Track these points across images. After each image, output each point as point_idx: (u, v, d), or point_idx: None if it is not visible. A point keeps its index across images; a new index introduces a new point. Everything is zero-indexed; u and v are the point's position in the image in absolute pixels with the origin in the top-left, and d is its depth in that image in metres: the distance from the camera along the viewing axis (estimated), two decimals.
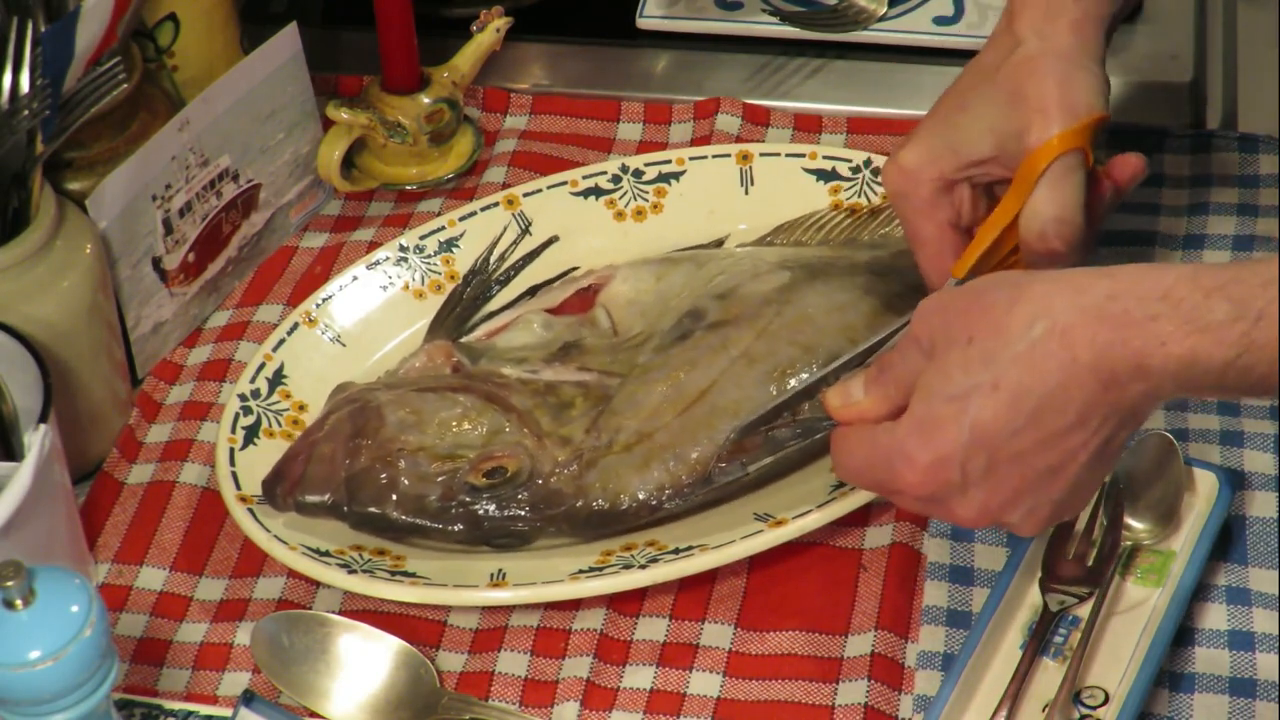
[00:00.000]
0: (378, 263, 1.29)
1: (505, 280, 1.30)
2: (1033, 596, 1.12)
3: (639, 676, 1.11)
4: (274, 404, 1.22)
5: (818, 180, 1.32)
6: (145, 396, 1.27)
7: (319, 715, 1.10)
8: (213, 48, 1.33)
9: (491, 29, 1.39)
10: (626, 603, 1.14)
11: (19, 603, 0.88)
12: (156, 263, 1.26)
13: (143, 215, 1.24)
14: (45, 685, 0.89)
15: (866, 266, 1.24)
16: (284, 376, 1.24)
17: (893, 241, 1.27)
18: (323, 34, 1.48)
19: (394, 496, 1.14)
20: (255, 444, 1.20)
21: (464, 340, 1.25)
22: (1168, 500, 1.14)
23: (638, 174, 1.33)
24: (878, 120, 1.41)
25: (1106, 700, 1.07)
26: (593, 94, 1.46)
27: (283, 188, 1.35)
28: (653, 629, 1.13)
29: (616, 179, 1.33)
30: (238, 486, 1.17)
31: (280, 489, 1.14)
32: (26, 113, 1.13)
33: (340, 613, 1.14)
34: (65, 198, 1.20)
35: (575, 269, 1.30)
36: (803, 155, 1.33)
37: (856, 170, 1.32)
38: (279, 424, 1.22)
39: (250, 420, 1.21)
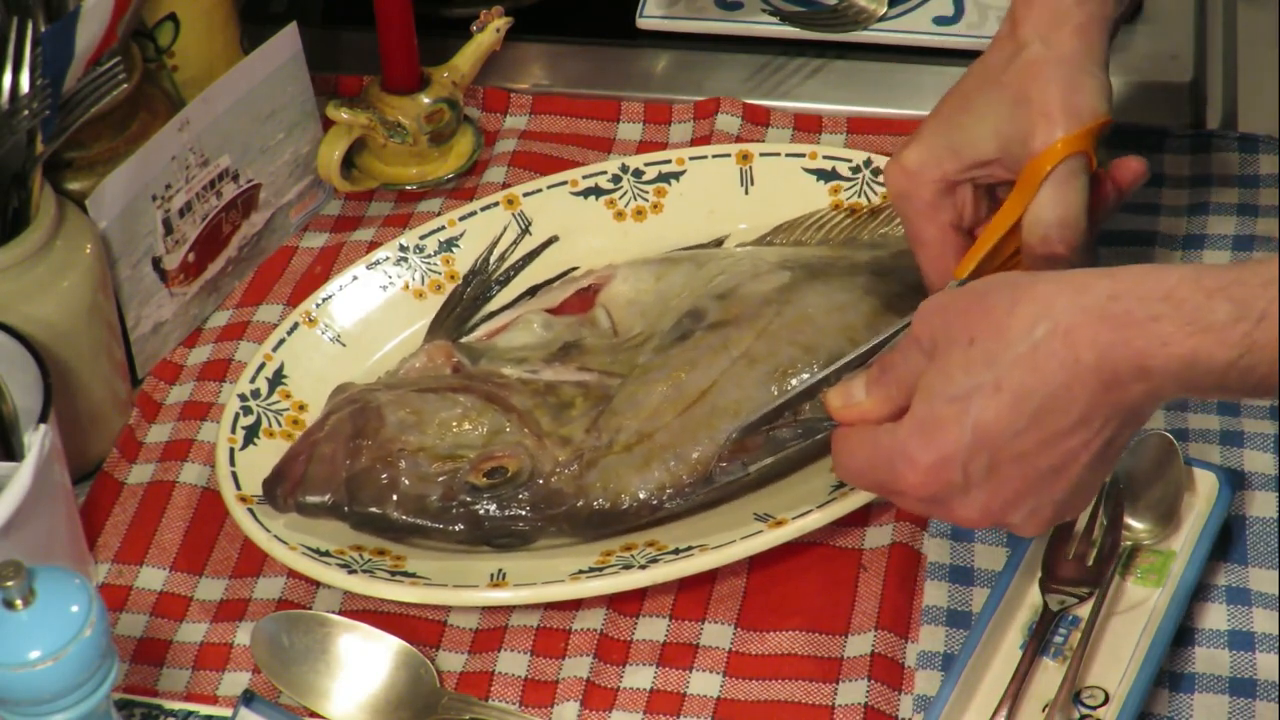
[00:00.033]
0: (378, 262, 1.29)
1: (505, 280, 1.30)
2: (1033, 596, 1.12)
3: (639, 676, 1.11)
4: (274, 404, 1.22)
5: (818, 180, 1.32)
6: (145, 396, 1.27)
7: (319, 715, 1.10)
8: (213, 48, 1.33)
9: (491, 29, 1.39)
10: (626, 603, 1.14)
11: (19, 603, 0.88)
12: (156, 263, 1.26)
13: (143, 215, 1.24)
14: (45, 685, 0.89)
15: (867, 266, 1.24)
16: (284, 376, 1.24)
17: (893, 241, 1.27)
18: (323, 34, 1.48)
19: (394, 497, 1.14)
20: (255, 444, 1.20)
21: (464, 340, 1.25)
22: (1168, 500, 1.14)
23: (638, 174, 1.33)
24: (878, 120, 1.41)
25: (1106, 700, 1.07)
26: (593, 94, 1.46)
27: (283, 188, 1.35)
28: (653, 629, 1.13)
29: (616, 179, 1.33)
30: (238, 486, 1.17)
31: (281, 490, 1.14)
32: (26, 113, 1.13)
33: (340, 613, 1.14)
34: (65, 198, 1.20)
35: (575, 269, 1.30)
36: (803, 155, 1.33)
37: (856, 170, 1.32)
38: (279, 424, 1.22)
39: (250, 420, 1.21)
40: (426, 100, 1.37)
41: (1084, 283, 0.94)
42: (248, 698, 1.05)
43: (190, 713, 1.10)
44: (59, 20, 1.13)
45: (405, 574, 1.12)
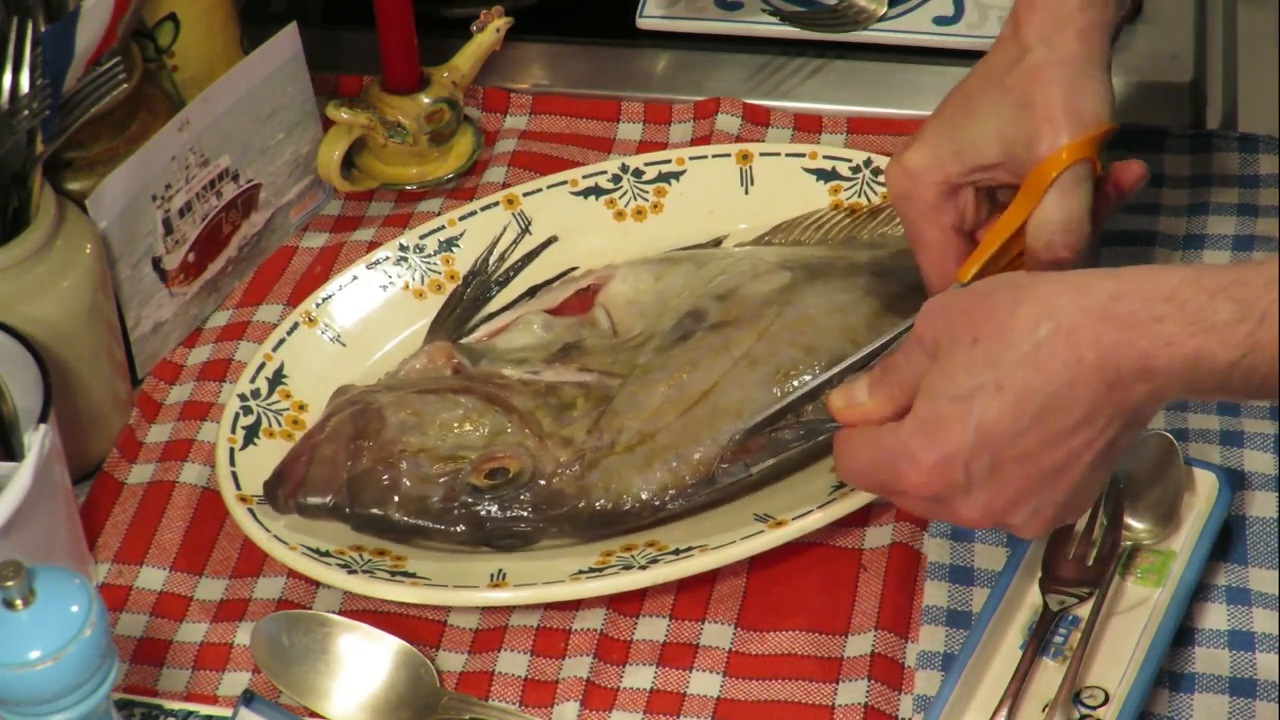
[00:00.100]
0: (378, 262, 1.29)
1: (505, 281, 1.29)
2: (1033, 596, 1.12)
3: (639, 676, 1.11)
4: (274, 404, 1.22)
5: (818, 180, 1.32)
6: (145, 396, 1.27)
7: (319, 715, 1.10)
8: (213, 48, 1.33)
9: (491, 29, 1.39)
10: (627, 603, 1.14)
11: (19, 603, 0.88)
12: (156, 263, 1.26)
13: (143, 215, 1.24)
14: (45, 685, 0.89)
15: (867, 267, 1.24)
16: (284, 376, 1.24)
17: (892, 241, 1.27)
18: (323, 34, 1.48)
19: (396, 498, 1.14)
20: (255, 444, 1.20)
21: (464, 341, 1.25)
22: (1168, 500, 1.14)
23: (638, 174, 1.33)
24: (878, 120, 1.41)
25: (1106, 700, 1.07)
26: (593, 94, 1.46)
27: (283, 188, 1.35)
28: (653, 629, 1.13)
29: (616, 178, 1.33)
30: (238, 486, 1.17)
31: (282, 491, 1.14)
32: (26, 113, 1.13)
33: (340, 613, 1.14)
34: (65, 198, 1.20)
35: (574, 269, 1.30)
36: (803, 155, 1.33)
37: (856, 170, 1.32)
38: (279, 424, 1.21)
39: (250, 420, 1.21)
40: (426, 100, 1.37)
41: (1087, 283, 0.94)
42: (248, 698, 1.05)
43: (190, 713, 1.10)
44: (59, 20, 1.13)
45: (405, 574, 1.12)
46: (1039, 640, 1.09)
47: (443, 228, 1.31)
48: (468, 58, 1.39)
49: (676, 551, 1.12)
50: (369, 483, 1.14)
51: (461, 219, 1.31)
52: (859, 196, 1.31)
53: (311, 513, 1.14)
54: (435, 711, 1.09)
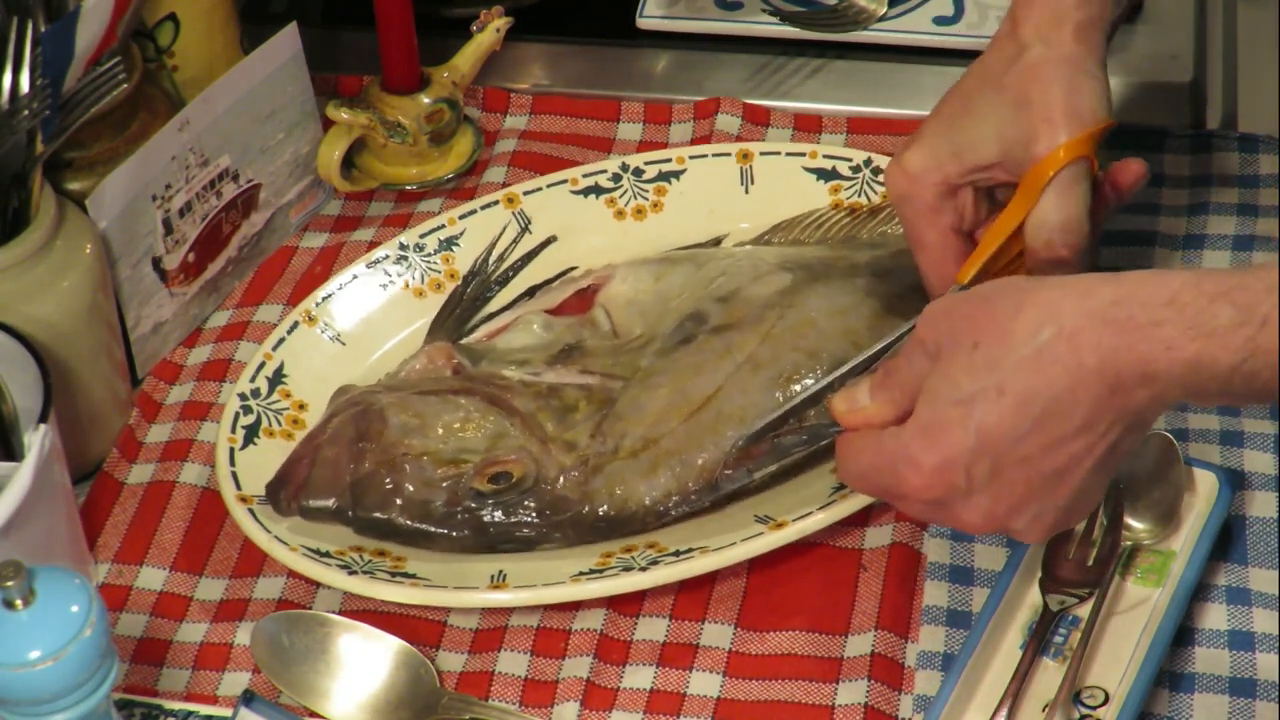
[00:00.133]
0: (377, 261, 1.29)
1: (505, 281, 1.29)
2: (1033, 596, 1.12)
3: (639, 676, 1.11)
4: (274, 403, 1.22)
5: (818, 179, 1.32)
6: (145, 396, 1.27)
7: (319, 715, 1.10)
8: (213, 48, 1.33)
9: (491, 29, 1.38)
10: (626, 603, 1.14)
11: (19, 603, 0.88)
12: (156, 263, 1.26)
13: (143, 215, 1.24)
14: (45, 685, 0.89)
15: (866, 267, 1.24)
16: (284, 376, 1.23)
17: (892, 241, 1.27)
18: (323, 34, 1.48)
19: (399, 501, 1.14)
20: (255, 444, 1.20)
21: (464, 342, 1.25)
22: (1168, 500, 1.14)
23: (638, 173, 1.33)
24: (878, 120, 1.41)
25: (1106, 700, 1.07)
26: (593, 94, 1.46)
27: (283, 188, 1.35)
28: (653, 629, 1.13)
29: (617, 178, 1.33)
30: (238, 486, 1.17)
31: (284, 494, 1.14)
32: (26, 113, 1.13)
33: (340, 613, 1.14)
34: (65, 198, 1.20)
35: (574, 269, 1.29)
36: (803, 154, 1.33)
37: (857, 169, 1.32)
38: (279, 423, 1.21)
39: (250, 420, 1.21)
40: (426, 100, 1.37)
41: (1088, 288, 0.94)
42: (248, 698, 1.05)
43: (190, 713, 1.10)
44: (59, 20, 1.13)
45: (405, 575, 1.12)
46: (1039, 640, 1.09)
47: (443, 226, 1.31)
48: (468, 58, 1.39)
49: (677, 553, 1.12)
50: (372, 486, 1.14)
51: (461, 218, 1.31)
52: (859, 196, 1.31)
53: (314, 516, 1.14)
54: (435, 711, 1.09)
